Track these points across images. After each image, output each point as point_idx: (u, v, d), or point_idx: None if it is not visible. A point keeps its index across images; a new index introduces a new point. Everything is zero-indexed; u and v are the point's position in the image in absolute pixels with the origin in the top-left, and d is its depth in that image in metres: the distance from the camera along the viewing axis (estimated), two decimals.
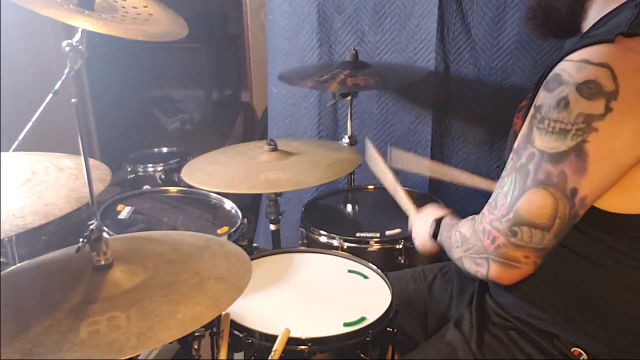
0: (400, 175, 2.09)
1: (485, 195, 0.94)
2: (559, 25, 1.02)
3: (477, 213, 0.95)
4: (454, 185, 2.09)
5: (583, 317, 0.94)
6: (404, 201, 1.32)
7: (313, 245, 1.53)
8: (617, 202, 0.85)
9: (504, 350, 0.99)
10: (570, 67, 0.82)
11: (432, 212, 1.16)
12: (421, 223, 1.17)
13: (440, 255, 1.53)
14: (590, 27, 0.95)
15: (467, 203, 2.04)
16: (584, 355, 0.93)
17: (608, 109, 0.78)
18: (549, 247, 0.85)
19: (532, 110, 0.86)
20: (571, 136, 0.80)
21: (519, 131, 0.89)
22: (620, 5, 0.91)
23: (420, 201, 1.76)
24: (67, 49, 1.28)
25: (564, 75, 0.82)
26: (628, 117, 0.79)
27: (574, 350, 0.94)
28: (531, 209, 0.83)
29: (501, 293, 1.05)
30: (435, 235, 1.09)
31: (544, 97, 0.84)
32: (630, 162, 0.81)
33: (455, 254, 0.99)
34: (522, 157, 0.85)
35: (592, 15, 0.96)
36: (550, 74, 0.85)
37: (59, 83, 1.33)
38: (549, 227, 0.83)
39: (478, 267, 0.92)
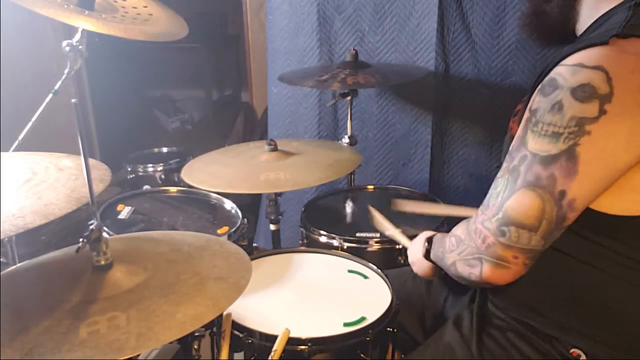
0: (401, 175, 2.10)
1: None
2: (553, 28, 1.02)
3: None
4: (454, 185, 2.11)
5: (582, 319, 0.94)
6: (402, 239, 1.34)
7: (313, 245, 1.53)
8: (615, 204, 0.85)
9: (502, 352, 0.99)
10: (566, 72, 0.82)
11: (423, 234, 1.17)
12: (414, 247, 1.18)
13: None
14: (585, 30, 0.96)
15: (467, 204, 2.04)
16: (583, 356, 0.93)
17: (602, 112, 0.78)
18: (538, 249, 0.86)
19: (527, 114, 0.86)
20: (563, 139, 0.80)
21: (515, 135, 0.89)
22: (615, 7, 0.91)
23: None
24: (67, 49, 1.28)
25: (559, 80, 0.82)
26: (624, 118, 0.78)
27: (573, 352, 0.94)
28: (519, 209, 0.84)
29: (500, 295, 1.05)
30: (428, 253, 1.10)
31: (539, 101, 0.84)
32: (626, 164, 0.81)
33: (449, 259, 0.99)
34: (515, 159, 0.86)
35: (585, 15, 0.96)
36: (546, 79, 0.85)
37: (59, 83, 1.33)
38: (536, 228, 0.84)
39: (472, 269, 0.92)
